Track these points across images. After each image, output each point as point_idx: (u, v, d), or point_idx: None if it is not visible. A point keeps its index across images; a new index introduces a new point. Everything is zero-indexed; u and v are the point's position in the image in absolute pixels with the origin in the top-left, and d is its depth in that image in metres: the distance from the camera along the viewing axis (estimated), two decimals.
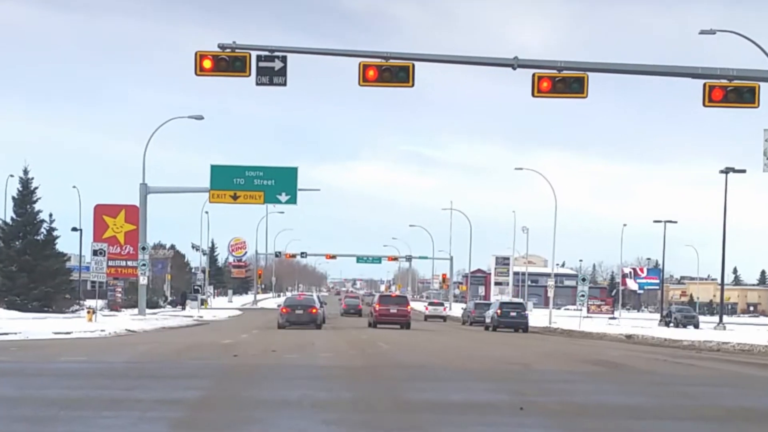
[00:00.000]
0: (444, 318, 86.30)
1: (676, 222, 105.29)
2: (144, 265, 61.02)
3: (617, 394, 16.84)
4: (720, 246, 77.67)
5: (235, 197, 66.49)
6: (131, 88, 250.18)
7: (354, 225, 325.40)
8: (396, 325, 53.47)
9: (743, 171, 75.76)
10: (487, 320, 58.23)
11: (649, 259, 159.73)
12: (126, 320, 51.05)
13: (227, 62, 31.39)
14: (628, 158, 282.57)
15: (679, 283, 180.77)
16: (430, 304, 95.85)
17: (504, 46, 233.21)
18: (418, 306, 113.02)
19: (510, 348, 34.56)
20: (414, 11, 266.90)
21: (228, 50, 31.45)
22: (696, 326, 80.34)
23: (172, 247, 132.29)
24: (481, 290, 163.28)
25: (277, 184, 66.73)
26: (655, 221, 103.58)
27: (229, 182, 66.03)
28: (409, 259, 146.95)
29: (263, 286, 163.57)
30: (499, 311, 56.63)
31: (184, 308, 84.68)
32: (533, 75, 31.92)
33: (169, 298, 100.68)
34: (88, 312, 50.17)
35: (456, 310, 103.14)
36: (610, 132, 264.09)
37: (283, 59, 31.61)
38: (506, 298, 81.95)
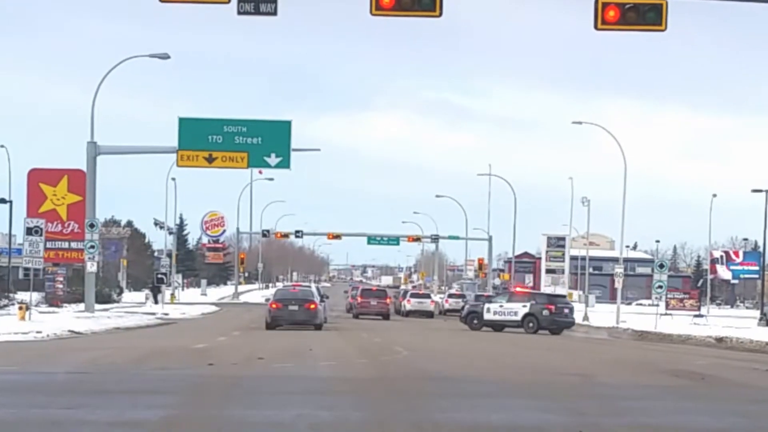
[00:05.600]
0: None
1: None
2: (93, 247, 61.16)
3: (703, 414, 16.87)
4: None
5: (210, 159, 66.55)
6: (75, 17, 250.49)
7: (364, 195, 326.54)
8: (378, 316, 73.22)
9: None
10: None
11: (746, 239, 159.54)
12: (69, 318, 51.27)
13: None
14: (719, 109, 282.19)
15: None
16: (450, 296, 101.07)
17: None
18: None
19: (563, 354, 34.63)
20: None
21: None
22: None
23: (129, 224, 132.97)
24: (529, 279, 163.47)
25: (264, 143, 66.69)
26: (754, 190, 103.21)
27: (203, 140, 66.05)
28: (435, 239, 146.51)
29: (247, 275, 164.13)
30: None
31: (156, 302, 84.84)
32: (596, 1, 31.83)
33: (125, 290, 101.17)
34: (20, 308, 50.38)
35: None
36: (695, 75, 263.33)
37: None
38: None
